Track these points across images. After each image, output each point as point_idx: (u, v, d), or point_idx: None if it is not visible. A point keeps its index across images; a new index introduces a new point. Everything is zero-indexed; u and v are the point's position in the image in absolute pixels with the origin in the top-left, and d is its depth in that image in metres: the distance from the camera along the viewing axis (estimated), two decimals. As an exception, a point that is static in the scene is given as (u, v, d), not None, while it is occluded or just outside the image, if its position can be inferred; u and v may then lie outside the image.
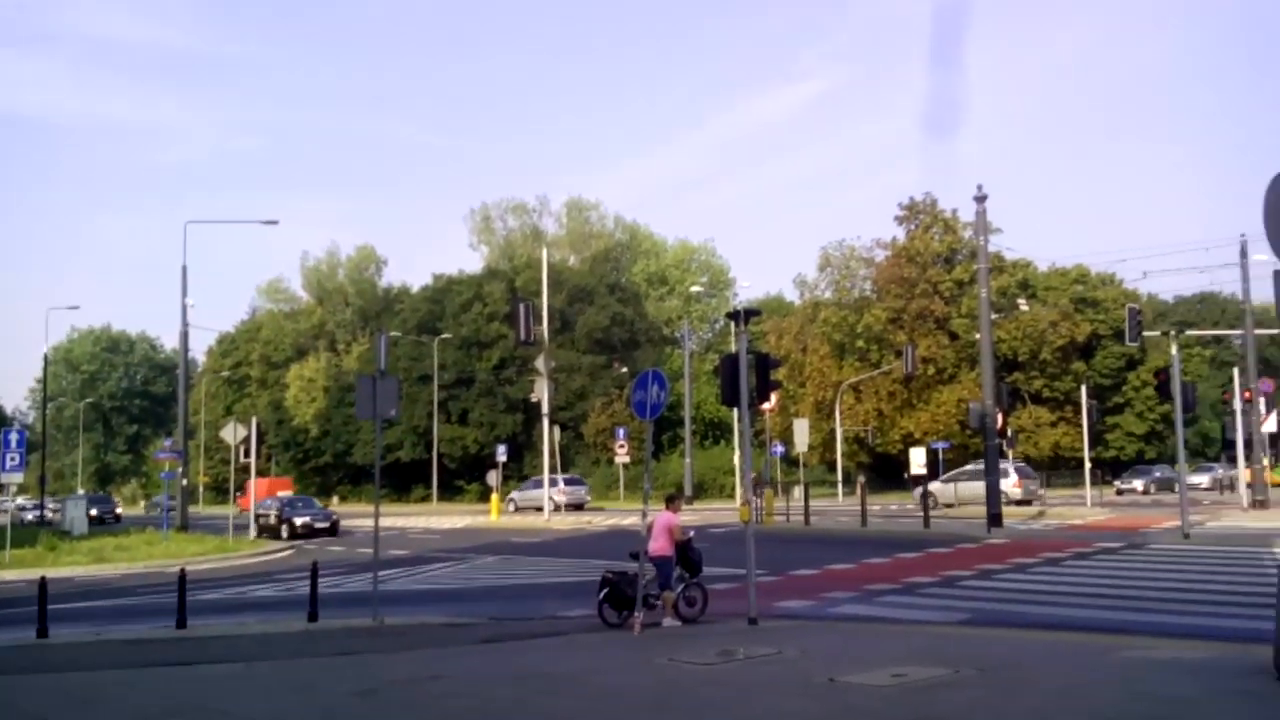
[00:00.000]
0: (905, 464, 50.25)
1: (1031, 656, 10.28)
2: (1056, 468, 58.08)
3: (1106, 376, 65.54)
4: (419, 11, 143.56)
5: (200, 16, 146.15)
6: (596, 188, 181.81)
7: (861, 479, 41.61)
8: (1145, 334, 44.09)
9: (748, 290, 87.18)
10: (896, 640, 11.73)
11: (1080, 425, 45.57)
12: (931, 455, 52.22)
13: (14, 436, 26.93)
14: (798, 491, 38.00)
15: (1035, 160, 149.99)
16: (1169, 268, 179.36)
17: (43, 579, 15.15)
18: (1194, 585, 15.98)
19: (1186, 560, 19.51)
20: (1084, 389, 47.21)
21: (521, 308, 36.90)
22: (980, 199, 30.34)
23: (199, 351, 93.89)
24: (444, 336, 70.28)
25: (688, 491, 50.75)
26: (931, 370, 60.29)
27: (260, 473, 44.53)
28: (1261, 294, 39.05)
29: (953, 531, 27.21)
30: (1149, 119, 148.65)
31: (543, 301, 43.71)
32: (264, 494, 42.89)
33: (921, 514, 29.57)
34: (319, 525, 36.41)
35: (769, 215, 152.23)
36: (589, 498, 50.71)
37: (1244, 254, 37.67)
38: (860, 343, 63.14)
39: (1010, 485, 35.76)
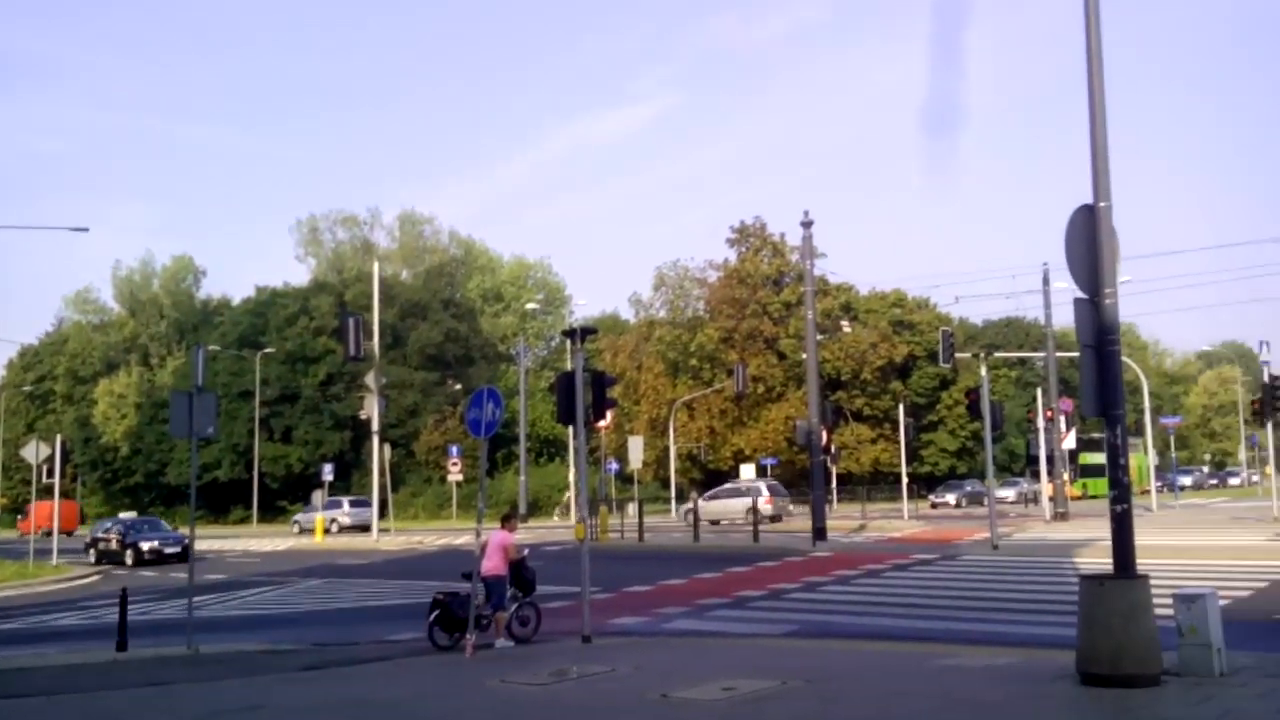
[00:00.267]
0: (737, 479, 51.27)
1: (855, 667, 10.60)
2: (876, 483, 60.42)
3: (922, 395, 68.82)
4: (238, 11, 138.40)
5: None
6: (431, 202, 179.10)
7: (694, 495, 42.20)
8: (957, 355, 46.41)
9: (584, 308, 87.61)
10: (727, 654, 11.90)
11: (898, 442, 47.65)
12: (761, 471, 53.56)
13: None
14: (632, 508, 38.25)
15: (857, 187, 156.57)
16: (979, 293, 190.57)
17: None
18: (1003, 594, 16.86)
19: (996, 571, 20.56)
20: (901, 407, 49.43)
21: (351, 322, 35.89)
22: (806, 224, 31.34)
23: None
24: (267, 351, 67.68)
25: (522, 509, 50.34)
26: (761, 389, 61.86)
27: (65, 494, 41.66)
28: (1062, 319, 41.90)
29: (780, 545, 27.88)
30: (961, 153, 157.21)
31: (373, 316, 42.62)
32: (45, 516, 39.87)
33: (752, 528, 30.19)
34: (169, 550, 33.20)
35: (605, 234, 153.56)
36: (375, 519, 46.74)
37: (1046, 282, 40.26)
38: (693, 361, 64.23)
39: (762, 502, 37.79)
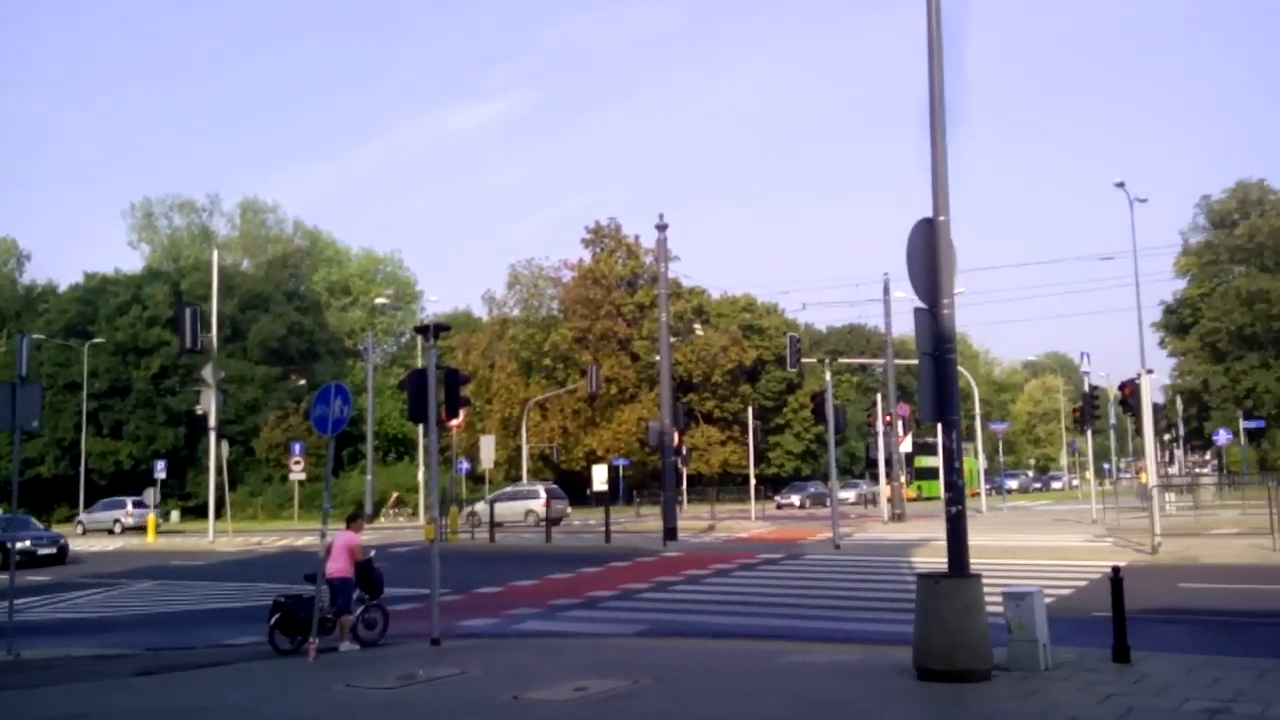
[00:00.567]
0: (589, 480, 51.47)
1: (704, 664, 10.76)
2: (725, 484, 61.57)
3: (770, 399, 70.50)
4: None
5: None
6: (275, 190, 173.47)
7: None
8: (804, 360, 47.80)
9: (436, 305, 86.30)
10: (578, 654, 11.91)
11: (747, 444, 48.68)
12: (613, 472, 53.84)
13: None
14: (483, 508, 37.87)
15: (711, 193, 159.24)
16: (825, 301, 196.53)
17: None
18: (845, 593, 17.42)
19: (838, 570, 21.23)
20: (750, 410, 50.49)
21: (187, 312, 34.37)
22: (661, 227, 31.72)
23: None
24: (96, 341, 64.05)
25: (368, 509, 49.18)
26: (614, 389, 62.20)
27: None
28: (901, 327, 43.56)
29: (632, 546, 28.09)
30: (808, 164, 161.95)
31: (212, 307, 40.95)
32: None
33: (604, 529, 30.32)
34: (43, 551, 30.10)
35: (459, 230, 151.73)
36: (152, 520, 44.47)
37: (887, 291, 41.83)
38: (547, 361, 64.09)
39: (539, 505, 38.72)
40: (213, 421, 37.88)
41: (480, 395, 60.95)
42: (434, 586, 13.17)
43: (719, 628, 13.86)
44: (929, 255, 9.89)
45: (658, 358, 36.97)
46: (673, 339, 38.72)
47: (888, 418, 39.77)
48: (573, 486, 60.05)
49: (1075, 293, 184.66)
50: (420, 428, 41.19)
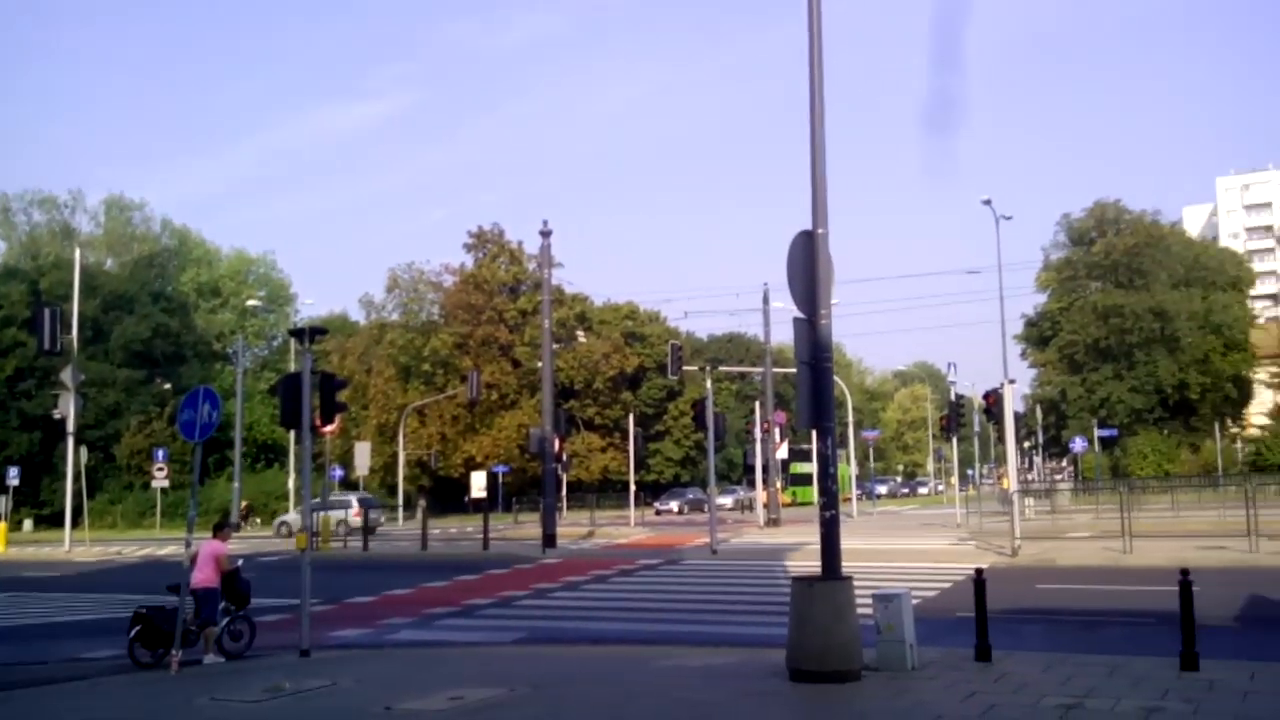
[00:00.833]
0: (467, 487, 50.85)
1: (582, 671, 10.75)
2: (605, 490, 61.65)
3: (651, 406, 70.92)
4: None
5: None
6: (142, 187, 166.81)
7: (422, 503, 41.48)
8: (685, 368, 48.24)
9: (310, 308, 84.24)
10: (454, 664, 11.76)
11: (628, 450, 48.86)
12: (492, 479, 53.36)
13: None
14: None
15: (595, 200, 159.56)
16: (706, 309, 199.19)
17: None
18: (722, 597, 17.65)
19: (715, 574, 21.49)
20: (631, 417, 50.72)
21: (46, 313, 32.73)
22: (545, 233, 31.63)
23: None
24: (-56, 341, 60.44)
25: (235, 517, 47.58)
26: (495, 396, 61.68)
27: None
28: (780, 336, 44.46)
29: (510, 553, 27.90)
30: (691, 175, 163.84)
31: (73, 307, 39.05)
32: None
33: (482, 536, 30.00)
34: None
35: (336, 232, 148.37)
36: (3, 528, 42.43)
37: (766, 301, 42.58)
38: (426, 366, 63.17)
39: (352, 515, 38.74)
40: (71, 426, 36.19)
41: (356, 401, 59.70)
42: (304, 596, 12.82)
43: (598, 634, 13.86)
44: (808, 267, 10.11)
45: (540, 364, 36.84)
46: (555, 345, 38.67)
47: (765, 425, 40.43)
48: (451, 493, 59.34)
49: (944, 305, 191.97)
50: (292, 434, 40.15)
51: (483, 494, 41.84)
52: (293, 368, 47.65)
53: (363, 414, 61.25)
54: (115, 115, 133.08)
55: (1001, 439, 29.47)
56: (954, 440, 37.79)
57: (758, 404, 43.09)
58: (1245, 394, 69.60)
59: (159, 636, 11.93)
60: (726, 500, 58.73)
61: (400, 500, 55.15)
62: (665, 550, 28.08)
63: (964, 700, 8.37)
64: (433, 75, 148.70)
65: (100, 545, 38.98)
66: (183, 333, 69.97)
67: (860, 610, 9.58)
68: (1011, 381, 27.90)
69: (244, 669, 11.81)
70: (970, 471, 61.14)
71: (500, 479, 55.84)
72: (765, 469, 40.60)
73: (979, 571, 10.50)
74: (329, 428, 16.39)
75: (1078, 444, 60.52)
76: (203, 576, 12.16)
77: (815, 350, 10.05)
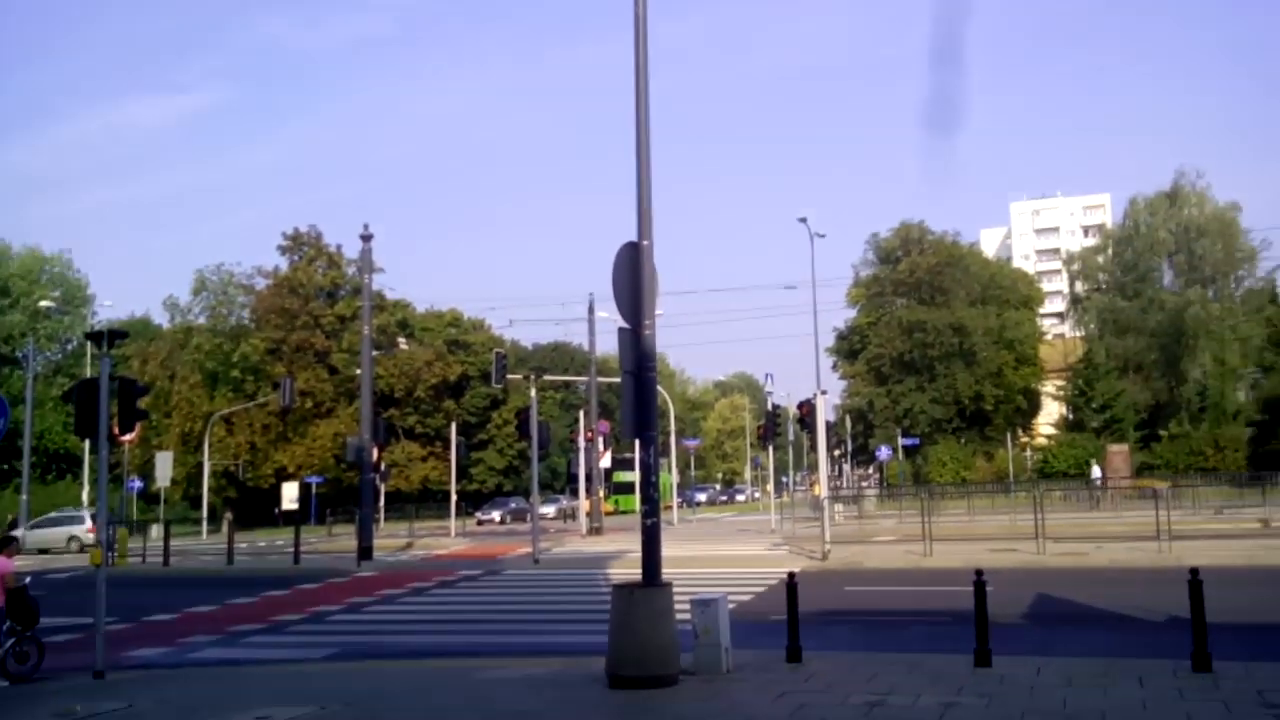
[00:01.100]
0: (278, 499, 48.95)
1: (397, 686, 10.51)
2: (425, 500, 60.56)
3: (474, 415, 70.18)
4: None
5: None
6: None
7: (229, 515, 39.70)
8: (509, 377, 47.93)
9: (110, 310, 79.28)
10: (262, 682, 11.29)
11: (449, 460, 48.14)
12: (305, 490, 51.57)
13: None
14: (156, 530, 35.16)
15: (419, 206, 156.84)
16: (531, 318, 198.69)
17: None
18: (544, 606, 17.60)
19: (537, 584, 21.42)
20: (454, 426, 50.02)
21: None
22: (366, 237, 30.86)
23: None
24: None
25: (22, 530, 44.27)
26: (309, 404, 59.70)
27: None
28: (605, 346, 44.74)
29: (323, 566, 27.02)
30: (519, 183, 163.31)
31: None
32: None
33: (294, 549, 28.94)
34: None
35: (138, 230, 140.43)
36: None
37: (592, 311, 42.83)
38: (235, 373, 60.56)
39: (84, 531, 38.04)
40: None
41: (158, 408, 56.58)
42: (99, 614, 12.03)
43: (416, 647, 13.59)
44: (633, 278, 10.22)
45: (358, 371, 35.87)
46: (375, 352, 37.72)
47: (589, 434, 40.61)
48: (260, 505, 57.00)
49: (763, 318, 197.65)
50: (88, 443, 37.76)
51: (294, 505, 40.49)
52: (89, 373, 44.82)
53: (165, 422, 58.09)
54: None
55: (814, 447, 30.62)
56: (770, 449, 39.01)
57: (582, 413, 43.27)
58: (1034, 405, 74.57)
59: (-69, 663, 10.98)
60: (549, 509, 58.68)
61: (205, 514, 52.59)
62: (486, 561, 27.80)
63: (775, 700, 8.62)
64: (246, 71, 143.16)
65: None
66: (-36, 334, 64.80)
67: (679, 616, 9.74)
68: (823, 392, 29.01)
69: (32, 692, 11.00)
70: (785, 479, 63.16)
71: (314, 490, 54.05)
72: (588, 478, 40.78)
73: (791, 575, 10.84)
74: (128, 436, 15.48)
75: (883, 452, 63.46)
76: (-17, 596, 11.28)
77: (639, 360, 10.17)
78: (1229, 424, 59.81)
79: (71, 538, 37.91)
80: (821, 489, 28.40)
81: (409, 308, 70.13)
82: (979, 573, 10.02)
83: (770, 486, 47.27)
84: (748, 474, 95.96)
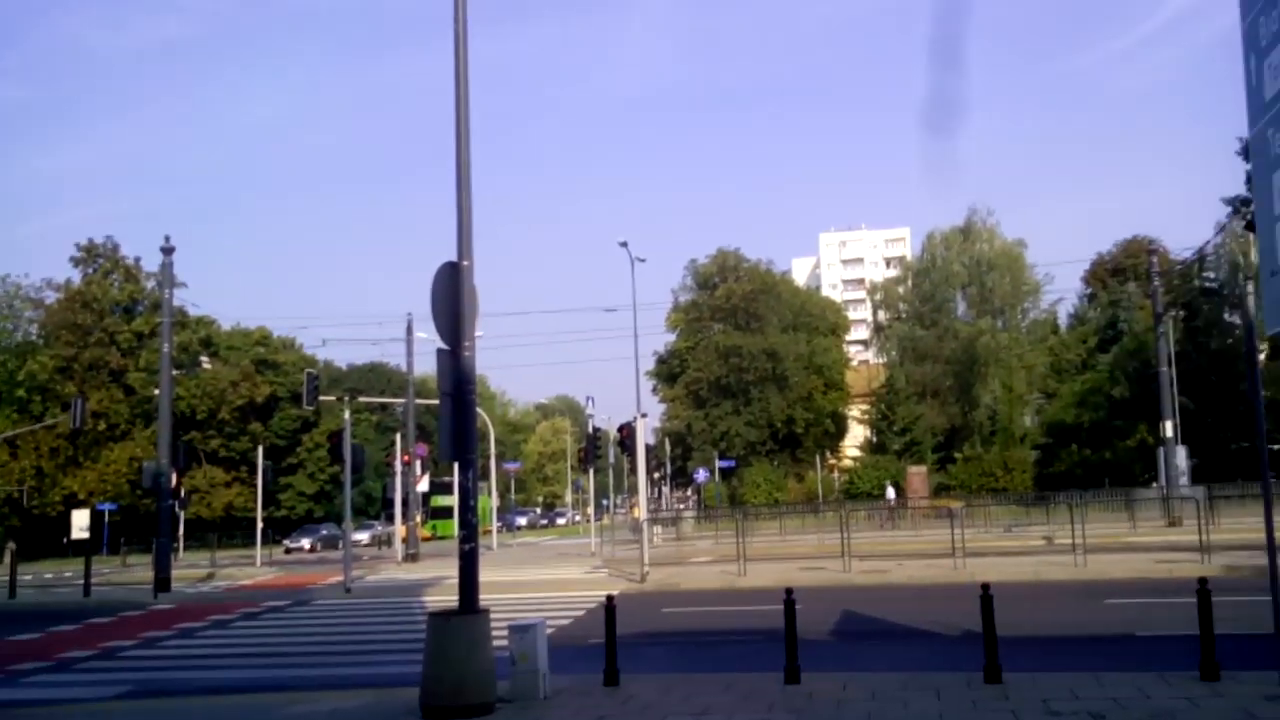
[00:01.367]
0: (67, 527, 45.77)
1: (198, 725, 9.97)
2: (230, 528, 57.86)
3: (283, 438, 67.55)
4: None
5: None
6: None
7: (11, 546, 36.78)
8: (322, 398, 46.44)
9: None
10: (45, 727, 10.49)
11: (255, 485, 46.16)
12: (97, 518, 48.39)
13: None
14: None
15: (226, 219, 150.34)
16: (346, 337, 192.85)
17: None
18: (356, 637, 17.05)
19: (349, 614, 20.73)
20: (261, 449, 48.02)
21: None
22: (167, 250, 29.36)
23: None
24: None
25: None
26: (103, 426, 56.24)
27: None
28: (423, 367, 43.97)
29: (117, 599, 25.43)
30: (333, 198, 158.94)
31: None
32: None
33: (84, 581, 27.05)
34: None
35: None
36: None
37: (410, 331, 42.02)
38: (21, 392, 56.40)
39: None
40: None
41: (-70, 430, 52.08)
42: None
43: (216, 683, 12.91)
44: (452, 298, 10.09)
45: (157, 391, 33.93)
46: (176, 372, 35.85)
47: (406, 457, 39.75)
48: (48, 534, 53.14)
49: (585, 340, 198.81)
50: None
51: (85, 534, 37.90)
52: None
53: (-63, 446, 53.49)
54: None
55: (634, 470, 30.89)
56: (591, 471, 39.10)
57: (399, 436, 42.32)
58: (841, 429, 77.77)
59: None
60: (363, 536, 57.11)
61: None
62: (295, 590, 26.74)
63: (594, 725, 8.62)
64: (39, 71, 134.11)
65: None
66: None
67: (497, 642, 9.63)
68: (643, 415, 29.36)
69: None
70: (606, 501, 63.54)
71: (107, 518, 50.78)
72: (405, 503, 39.86)
73: (610, 599, 10.89)
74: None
75: (701, 474, 64.78)
76: None
77: (458, 382, 10.04)
78: (1016, 447, 63.91)
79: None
80: (641, 511, 28.67)
81: (214, 325, 67.06)
82: (789, 592, 10.33)
83: (591, 509, 47.38)
84: (569, 497, 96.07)
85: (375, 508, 70.74)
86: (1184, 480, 35.89)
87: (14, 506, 54.06)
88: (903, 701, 8.92)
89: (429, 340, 39.22)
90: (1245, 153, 29.44)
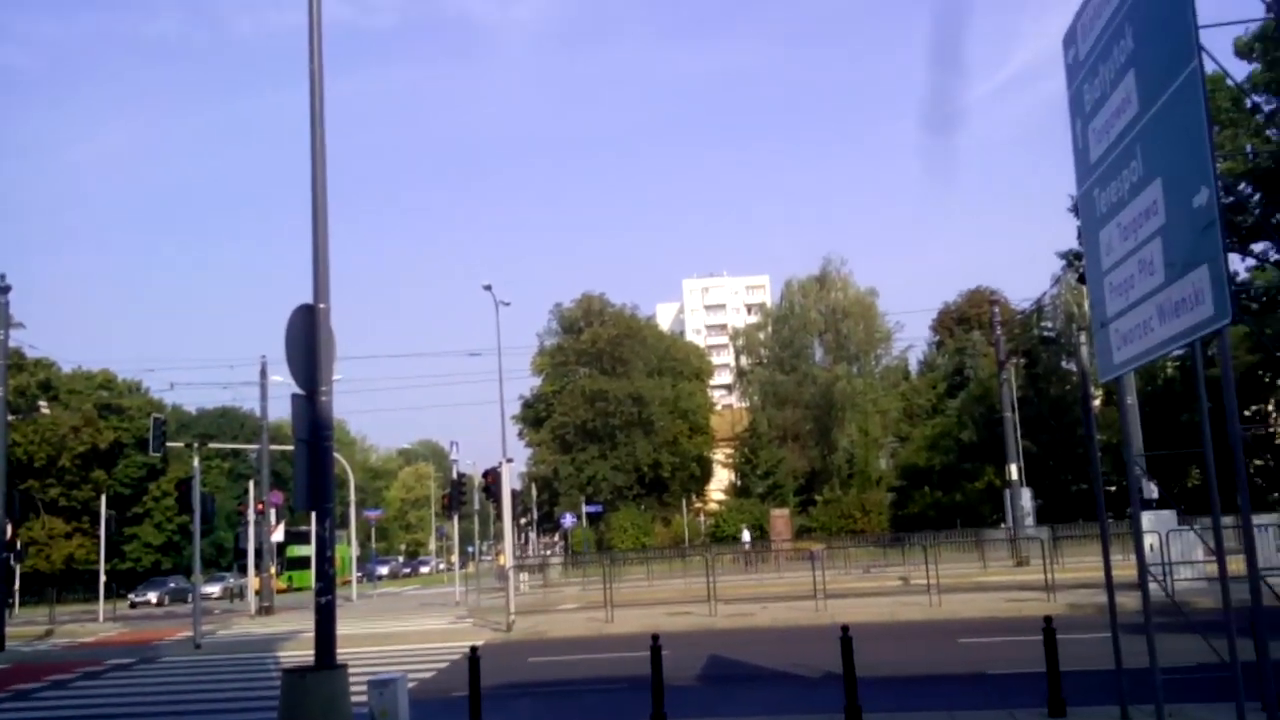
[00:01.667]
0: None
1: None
2: (70, 582, 54.62)
3: (128, 486, 64.39)
4: None
5: None
6: None
7: None
8: (170, 444, 44.45)
9: None
10: None
11: (98, 536, 43.77)
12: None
13: None
14: None
15: (65, 255, 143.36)
16: (196, 381, 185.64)
17: None
18: (206, 695, 16.25)
19: (199, 671, 19.77)
20: (104, 498, 45.61)
21: None
22: (3, 289, 27.83)
23: None
24: None
25: None
26: (-74, 475, 52.43)
27: None
28: (278, 412, 42.58)
29: (-63, 663, 23.56)
30: (181, 236, 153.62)
31: None
32: None
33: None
34: None
35: None
36: None
37: (264, 374, 40.64)
38: None
39: None
40: None
41: None
42: None
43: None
44: (309, 341, 9.82)
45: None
46: (12, 417, 33.76)
47: (260, 505, 38.33)
48: None
49: (449, 385, 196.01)
50: None
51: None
52: None
53: None
54: None
55: (500, 516, 30.51)
56: (455, 518, 38.45)
57: (252, 483, 40.81)
58: (707, 472, 78.63)
59: None
60: (214, 588, 54.74)
61: None
62: (141, 647, 25.36)
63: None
64: None
65: None
66: None
67: (356, 698, 9.32)
68: (509, 460, 29.08)
69: None
70: (470, 548, 62.50)
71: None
72: (259, 553, 38.35)
73: (474, 650, 10.69)
74: None
75: (568, 519, 64.45)
76: None
77: (315, 428, 9.75)
78: (873, 489, 65.76)
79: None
80: (507, 558, 28.31)
81: (53, 368, 63.67)
82: (655, 638, 10.33)
83: (455, 557, 46.54)
84: (433, 544, 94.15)
85: (227, 559, 67.91)
86: (1029, 521, 37.52)
87: None
88: (766, 745, 8.99)
89: (284, 384, 37.99)
90: (1076, 209, 31.40)
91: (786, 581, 30.54)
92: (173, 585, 54.40)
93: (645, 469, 71.41)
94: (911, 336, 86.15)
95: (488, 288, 33.03)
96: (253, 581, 38.87)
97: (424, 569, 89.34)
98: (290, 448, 10.26)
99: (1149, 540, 16.32)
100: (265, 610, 36.33)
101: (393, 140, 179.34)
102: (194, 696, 16.29)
